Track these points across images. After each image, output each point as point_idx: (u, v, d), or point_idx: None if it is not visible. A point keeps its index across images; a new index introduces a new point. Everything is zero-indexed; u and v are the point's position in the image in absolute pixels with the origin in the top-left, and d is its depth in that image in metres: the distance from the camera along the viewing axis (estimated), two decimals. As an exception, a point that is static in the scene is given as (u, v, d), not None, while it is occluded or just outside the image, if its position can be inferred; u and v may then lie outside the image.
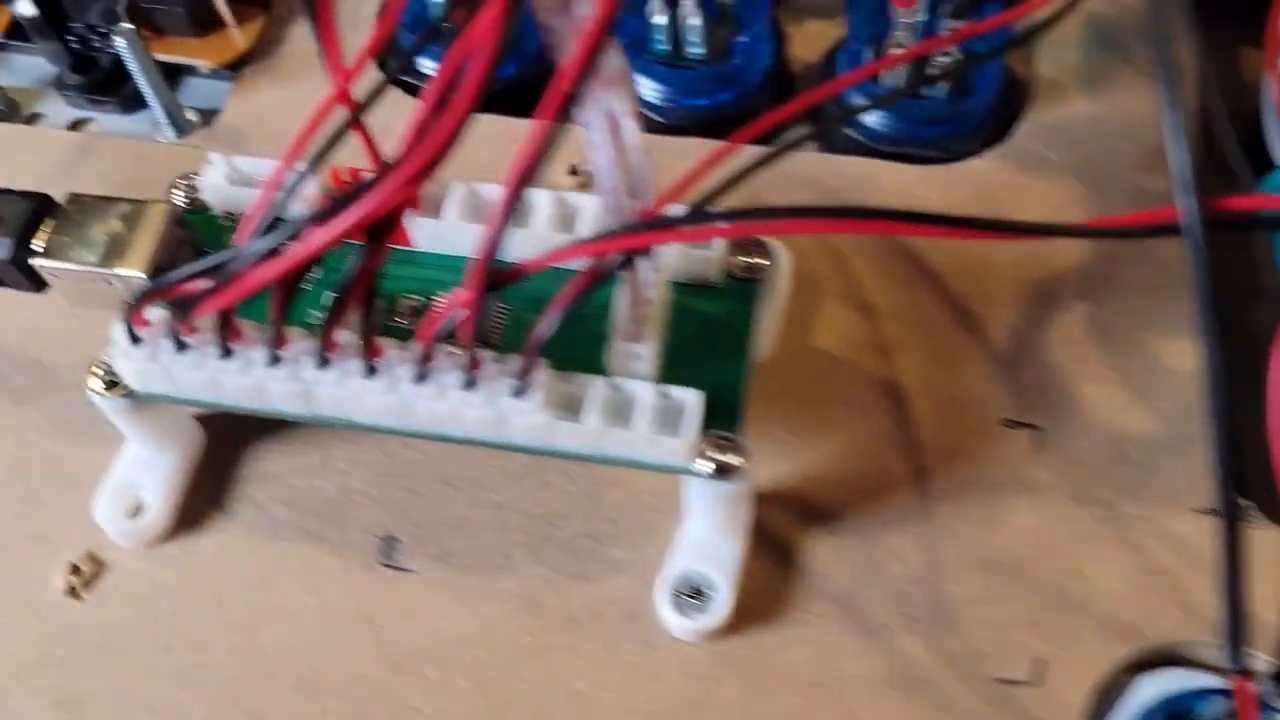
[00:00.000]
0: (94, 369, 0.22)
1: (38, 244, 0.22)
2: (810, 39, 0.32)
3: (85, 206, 0.22)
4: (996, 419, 0.25)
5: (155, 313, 0.21)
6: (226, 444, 0.25)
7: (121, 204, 0.22)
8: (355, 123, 0.19)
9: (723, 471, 0.21)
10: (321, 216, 0.17)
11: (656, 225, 0.19)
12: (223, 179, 0.23)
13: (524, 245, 0.23)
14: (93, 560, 0.24)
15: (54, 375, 0.26)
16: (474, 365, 0.20)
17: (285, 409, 0.21)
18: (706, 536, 0.23)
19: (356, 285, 0.19)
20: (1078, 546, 0.24)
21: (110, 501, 0.24)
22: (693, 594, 0.23)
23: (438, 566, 0.24)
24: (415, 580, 0.24)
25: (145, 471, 0.24)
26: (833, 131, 0.29)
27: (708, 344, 0.22)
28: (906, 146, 0.28)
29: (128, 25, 0.27)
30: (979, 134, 0.29)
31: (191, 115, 0.30)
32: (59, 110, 0.32)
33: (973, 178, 0.28)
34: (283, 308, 0.19)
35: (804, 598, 0.23)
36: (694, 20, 0.28)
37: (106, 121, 0.31)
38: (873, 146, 0.29)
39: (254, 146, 0.30)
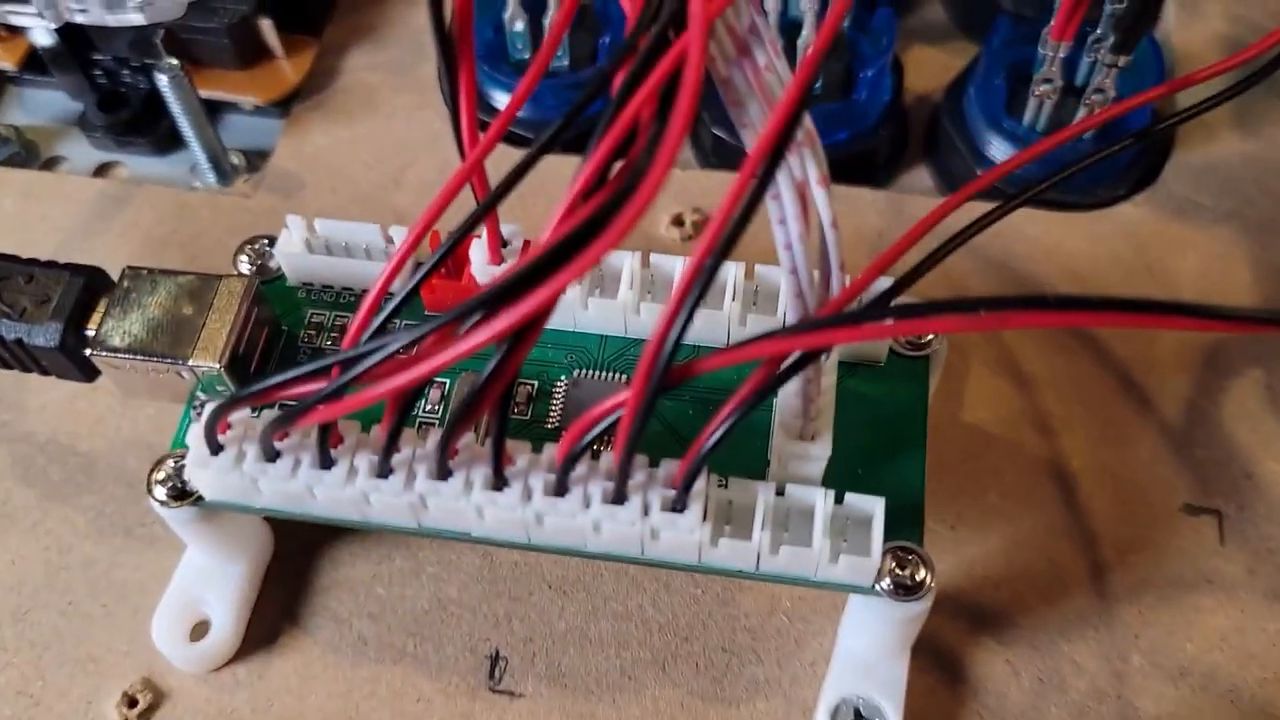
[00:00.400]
0: (157, 478, 0.19)
1: (91, 329, 0.19)
2: (921, 68, 0.29)
3: (145, 281, 0.19)
4: (1175, 505, 0.22)
5: (238, 414, 0.18)
6: (297, 548, 0.22)
7: (188, 278, 0.19)
8: (490, 210, 0.16)
9: (905, 589, 0.18)
10: (464, 315, 0.14)
11: (855, 320, 0.15)
12: (301, 245, 0.20)
13: (646, 322, 0.20)
14: (149, 687, 0.21)
15: (91, 466, 0.23)
16: (625, 475, 0.17)
17: (389, 522, 0.18)
18: (870, 655, 0.20)
19: (492, 389, 0.16)
20: (1277, 651, 0.21)
21: (170, 620, 0.21)
22: (856, 722, 0.20)
23: (551, 688, 0.21)
24: (525, 706, 0.21)
25: (209, 584, 0.21)
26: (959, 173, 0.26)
27: (878, 435, 0.19)
28: (1047, 191, 0.25)
29: (173, 61, 0.24)
30: (1125, 177, 0.26)
31: (235, 159, 0.27)
32: (83, 152, 0.28)
33: (1121, 226, 0.25)
34: (402, 418, 0.16)
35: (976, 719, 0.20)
36: (811, 52, 0.25)
37: (136, 165, 0.28)
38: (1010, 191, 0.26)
39: (309, 195, 0.26)
